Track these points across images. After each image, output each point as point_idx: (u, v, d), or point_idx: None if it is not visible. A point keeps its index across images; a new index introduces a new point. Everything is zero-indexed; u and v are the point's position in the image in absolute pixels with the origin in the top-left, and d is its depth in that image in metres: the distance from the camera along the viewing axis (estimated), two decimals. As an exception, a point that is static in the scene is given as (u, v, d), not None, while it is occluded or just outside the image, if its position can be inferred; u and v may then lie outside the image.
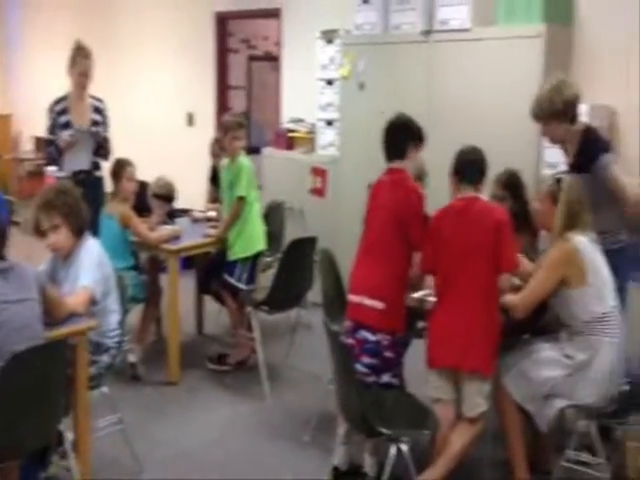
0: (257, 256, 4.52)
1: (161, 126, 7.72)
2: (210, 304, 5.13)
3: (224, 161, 4.63)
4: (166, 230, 4.47)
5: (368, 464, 3.13)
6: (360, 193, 5.06)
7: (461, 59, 4.76)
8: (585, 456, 2.95)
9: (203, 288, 5.07)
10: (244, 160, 4.52)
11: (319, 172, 5.75)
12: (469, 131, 4.70)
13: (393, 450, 2.68)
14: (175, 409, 4.06)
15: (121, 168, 4.43)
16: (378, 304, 2.98)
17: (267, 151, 6.30)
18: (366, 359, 3.00)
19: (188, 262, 5.85)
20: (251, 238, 4.50)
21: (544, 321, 3.17)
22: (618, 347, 2.92)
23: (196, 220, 5.06)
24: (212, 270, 4.78)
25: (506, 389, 3.07)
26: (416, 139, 3.15)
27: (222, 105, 7.37)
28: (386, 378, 3.01)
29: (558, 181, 3.09)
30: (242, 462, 3.52)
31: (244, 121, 4.61)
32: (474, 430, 2.94)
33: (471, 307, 2.91)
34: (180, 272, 5.41)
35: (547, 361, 2.98)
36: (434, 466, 2.88)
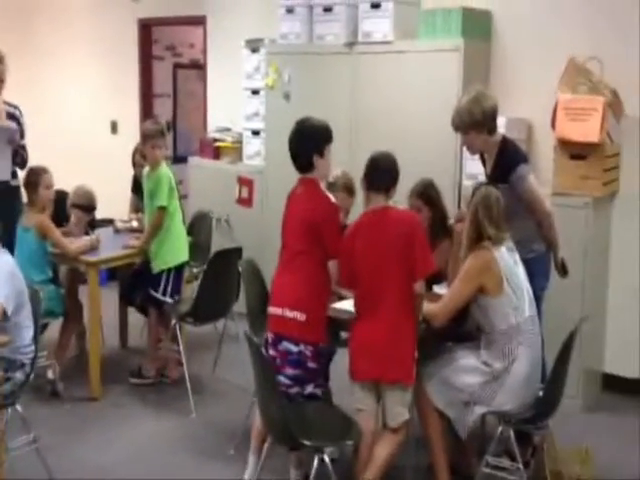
0: (181, 267, 4.47)
1: (84, 134, 7.51)
2: (134, 316, 5.03)
3: (145, 170, 4.56)
4: (84, 241, 4.35)
5: (293, 477, 3.11)
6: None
7: (384, 71, 4.84)
8: (504, 461, 3.02)
9: (127, 300, 4.97)
10: (164, 169, 4.45)
11: (245, 182, 5.73)
12: (392, 141, 4.73)
13: (316, 461, 2.67)
14: (96, 426, 3.95)
15: (37, 176, 4.28)
16: (299, 316, 2.96)
17: (193, 160, 6.22)
18: (289, 370, 2.98)
19: (111, 274, 5.74)
20: (174, 249, 4.44)
21: (467, 328, 3.24)
22: (534, 355, 3.00)
23: (118, 230, 4.96)
24: (136, 282, 4.69)
25: (428, 396, 3.12)
26: (320, 145, 3.08)
27: (147, 113, 7.23)
28: (310, 389, 3.01)
29: (473, 194, 3.15)
30: (168, 475, 3.45)
31: (165, 129, 4.55)
32: (397, 439, 2.97)
33: (389, 318, 2.93)
34: (103, 284, 5.36)
35: (467, 368, 3.04)
36: (363, 478, 2.90)
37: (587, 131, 3.97)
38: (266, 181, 5.57)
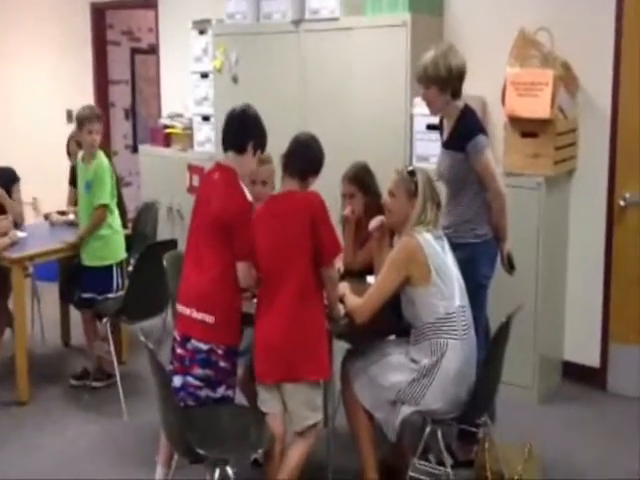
0: (120, 264, 4.22)
1: (40, 124, 7.24)
2: (77, 314, 4.79)
3: (79, 157, 4.30)
4: (4, 239, 4.08)
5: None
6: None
7: (332, 48, 4.58)
8: (432, 465, 2.77)
9: (65, 297, 4.72)
10: (103, 160, 4.19)
11: (196, 170, 5.46)
12: (341, 121, 4.55)
13: (217, 476, 2.42)
14: (19, 432, 3.71)
15: None
16: (207, 317, 2.72)
17: (144, 148, 5.99)
18: (198, 370, 2.74)
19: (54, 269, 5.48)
20: (112, 246, 4.18)
21: (403, 322, 2.99)
22: (465, 349, 2.75)
23: (54, 224, 4.71)
24: (74, 278, 4.44)
25: (355, 395, 2.88)
26: (260, 140, 2.84)
27: (102, 100, 6.98)
28: (221, 391, 2.76)
29: (412, 174, 2.88)
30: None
31: (100, 113, 4.28)
32: (306, 444, 2.72)
33: (289, 310, 2.67)
34: (52, 279, 5.12)
35: (394, 366, 2.80)
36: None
37: (537, 107, 3.71)
38: (216, 168, 5.32)
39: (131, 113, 7.52)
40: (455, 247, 2.98)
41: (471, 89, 4.36)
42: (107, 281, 4.13)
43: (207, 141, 5.46)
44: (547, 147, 3.78)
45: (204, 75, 5.42)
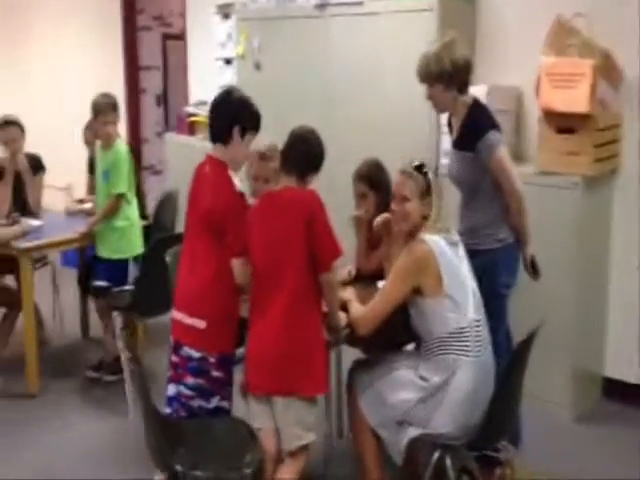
0: (135, 258, 4.09)
1: (72, 110, 7.17)
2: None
3: (97, 147, 4.19)
4: (14, 228, 3.98)
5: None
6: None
7: (357, 34, 4.34)
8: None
9: (82, 286, 4.62)
10: (121, 148, 4.08)
11: (219, 160, 5.30)
12: (367, 110, 4.30)
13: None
14: (23, 427, 3.61)
15: None
16: (198, 323, 2.55)
17: (170, 136, 5.86)
18: (190, 379, 2.57)
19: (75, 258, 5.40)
20: (129, 239, 4.06)
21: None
22: (478, 368, 2.50)
23: (70, 213, 4.60)
24: (91, 267, 4.34)
25: (361, 412, 2.67)
26: (246, 123, 2.60)
27: (133, 87, 6.87)
28: (215, 402, 2.59)
29: (419, 169, 2.62)
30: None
31: (116, 102, 4.15)
32: (297, 465, 2.51)
33: (283, 318, 2.46)
34: (66, 268, 5.05)
35: (402, 382, 2.57)
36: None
37: (574, 100, 3.41)
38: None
39: (162, 100, 7.39)
40: (472, 254, 2.75)
41: (506, 79, 4.12)
42: (122, 274, 4.02)
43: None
44: (586, 144, 3.48)
45: (228, 61, 5.24)
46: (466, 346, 2.49)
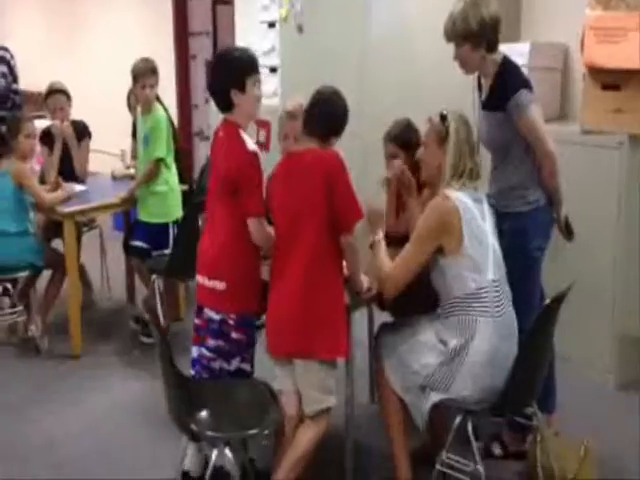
0: (175, 222, 4.14)
1: (123, 77, 7.27)
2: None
3: (138, 113, 4.24)
4: (60, 192, 4.07)
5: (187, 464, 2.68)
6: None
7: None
8: (457, 459, 2.49)
9: (125, 249, 4.71)
10: (160, 113, 4.11)
11: (262, 124, 5.27)
12: (408, 75, 4.21)
13: (214, 455, 2.27)
14: (65, 387, 3.73)
15: (18, 123, 4.06)
16: (218, 284, 2.55)
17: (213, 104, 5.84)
18: (211, 342, 2.59)
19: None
20: (167, 204, 4.12)
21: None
22: (498, 328, 2.43)
23: (115, 178, 4.68)
24: (132, 231, 4.42)
25: (386, 377, 2.64)
26: (240, 78, 2.50)
27: (183, 53, 6.90)
28: (236, 363, 2.60)
29: (443, 118, 2.57)
30: (112, 452, 3.14)
31: (155, 66, 4.17)
32: (316, 430, 2.50)
33: (302, 281, 2.45)
34: (117, 232, 5.15)
35: (424, 346, 2.52)
36: (277, 470, 2.49)
37: (620, 55, 3.23)
38: (283, 123, 5.11)
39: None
40: (503, 217, 2.67)
41: (551, 35, 3.94)
42: (162, 238, 4.08)
43: (274, 94, 5.25)
44: (632, 101, 3.30)
45: (271, 25, 5.19)
46: (485, 306, 2.43)
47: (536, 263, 2.85)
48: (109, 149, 5.74)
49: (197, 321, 2.66)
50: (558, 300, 2.42)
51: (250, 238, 2.53)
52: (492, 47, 2.80)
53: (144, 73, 4.07)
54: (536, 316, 2.44)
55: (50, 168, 4.37)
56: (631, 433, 3.16)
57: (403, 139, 3.01)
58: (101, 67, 7.42)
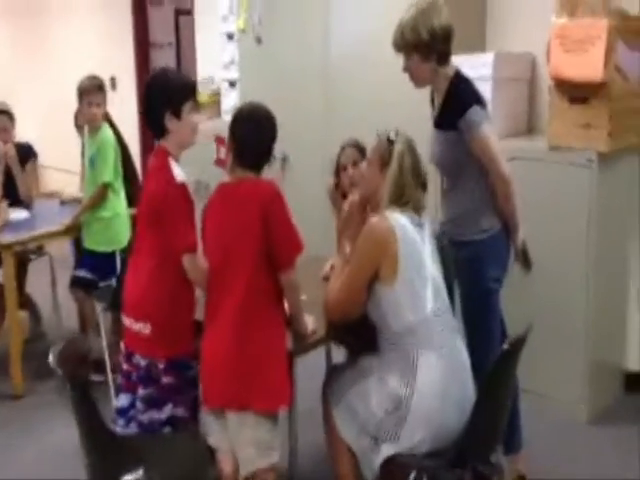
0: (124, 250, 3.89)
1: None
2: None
3: (86, 132, 4.00)
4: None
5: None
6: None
7: (358, 7, 4.00)
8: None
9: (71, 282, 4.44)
10: (107, 134, 3.86)
11: (221, 141, 5.04)
12: (371, 88, 3.96)
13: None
14: (8, 430, 3.46)
15: None
16: (143, 327, 2.31)
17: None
18: (141, 390, 2.35)
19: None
20: (113, 230, 3.85)
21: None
22: (445, 362, 2.21)
23: (64, 202, 4.42)
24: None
25: (335, 424, 2.40)
26: (176, 102, 2.32)
27: (143, 66, 6.65)
28: (168, 410, 2.35)
29: (389, 141, 2.36)
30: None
31: (102, 83, 3.93)
32: None
33: (236, 322, 2.20)
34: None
35: (370, 391, 2.28)
36: None
37: (586, 66, 3.02)
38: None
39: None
40: (457, 245, 2.50)
41: (518, 44, 3.73)
42: (108, 267, 3.82)
43: (234, 109, 5.00)
44: (601, 116, 3.09)
45: (230, 36, 4.96)
46: (425, 340, 2.21)
47: (493, 295, 2.64)
48: (74, 168, 5.48)
49: (126, 366, 2.42)
50: (517, 343, 2.19)
51: (177, 274, 2.30)
52: (443, 59, 2.58)
53: (90, 90, 3.83)
54: (495, 360, 2.21)
55: None
56: (605, 467, 2.95)
57: (363, 146, 2.79)
58: (63, 82, 7.14)
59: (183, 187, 2.29)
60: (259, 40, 4.60)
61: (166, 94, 2.32)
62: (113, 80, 6.79)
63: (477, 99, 2.57)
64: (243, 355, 2.19)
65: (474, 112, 2.51)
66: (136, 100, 6.57)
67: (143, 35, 6.66)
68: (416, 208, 2.31)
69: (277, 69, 4.48)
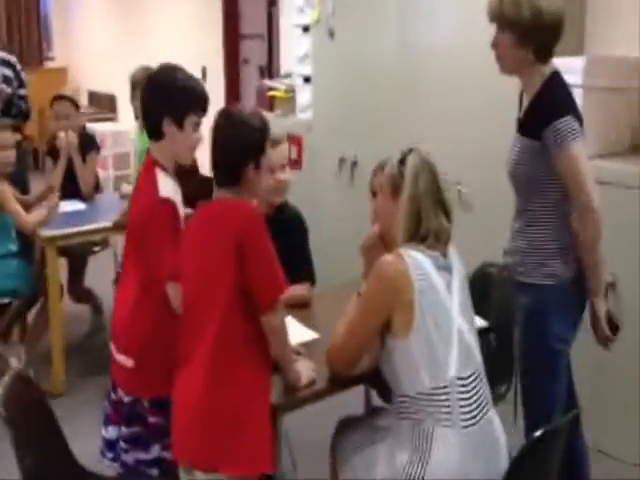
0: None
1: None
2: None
3: (135, 127, 3.87)
4: (39, 212, 3.69)
5: None
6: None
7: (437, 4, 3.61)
8: None
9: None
10: None
11: (294, 140, 4.78)
12: (451, 88, 3.57)
13: None
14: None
15: None
16: (125, 360, 2.09)
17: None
18: (124, 428, 2.13)
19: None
20: None
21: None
22: (468, 442, 1.82)
23: (124, 196, 4.32)
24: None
25: (340, 483, 2.09)
26: (177, 109, 2.07)
27: (233, 57, 6.52)
28: (155, 452, 2.12)
29: (400, 160, 1.98)
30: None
31: None
32: None
33: (208, 369, 1.88)
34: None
35: (378, 459, 1.94)
36: None
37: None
38: (313, 139, 4.61)
39: (267, 71, 6.97)
40: (520, 288, 2.11)
41: (622, 48, 3.22)
42: None
43: (308, 106, 4.74)
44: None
45: (306, 29, 4.68)
46: (444, 412, 1.82)
47: (557, 356, 2.17)
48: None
49: (113, 396, 2.20)
50: (551, 435, 1.77)
51: (162, 305, 2.05)
52: (542, 53, 2.16)
53: (141, 83, 3.67)
54: (525, 446, 1.79)
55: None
56: None
57: None
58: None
59: (168, 203, 2.03)
60: (331, 33, 4.30)
61: (171, 97, 2.09)
62: (204, 70, 6.72)
63: (573, 109, 2.15)
64: (215, 410, 1.87)
65: (566, 123, 2.08)
66: (224, 93, 6.46)
67: (234, 25, 6.52)
68: (438, 240, 1.92)
69: (349, 65, 4.18)
